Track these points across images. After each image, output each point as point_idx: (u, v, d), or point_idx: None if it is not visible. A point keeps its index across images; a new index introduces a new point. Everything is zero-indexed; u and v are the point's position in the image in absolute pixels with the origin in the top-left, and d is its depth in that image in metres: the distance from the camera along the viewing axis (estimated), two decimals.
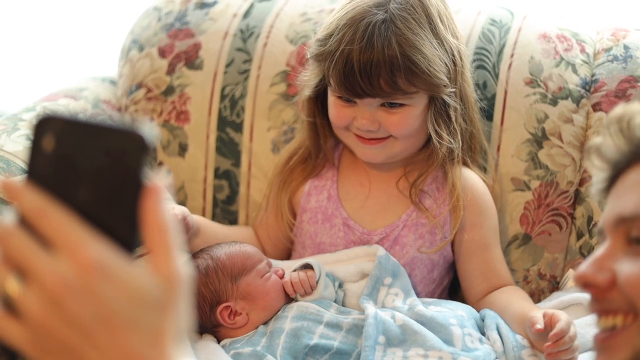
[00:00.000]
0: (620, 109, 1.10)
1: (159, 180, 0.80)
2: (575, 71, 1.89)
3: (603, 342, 1.06)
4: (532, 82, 1.89)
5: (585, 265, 1.07)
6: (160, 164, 2.03)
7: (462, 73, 1.74)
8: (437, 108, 1.70)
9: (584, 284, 1.07)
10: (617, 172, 1.10)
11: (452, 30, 1.72)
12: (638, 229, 1.04)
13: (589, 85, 1.89)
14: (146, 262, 0.80)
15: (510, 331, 1.64)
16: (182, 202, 2.02)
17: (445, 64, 1.68)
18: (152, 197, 0.79)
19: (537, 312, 1.58)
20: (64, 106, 2.04)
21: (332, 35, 1.67)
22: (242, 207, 2.00)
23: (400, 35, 1.63)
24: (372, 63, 1.62)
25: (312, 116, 1.80)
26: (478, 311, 1.72)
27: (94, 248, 0.77)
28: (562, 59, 1.90)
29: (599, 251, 1.08)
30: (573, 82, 1.88)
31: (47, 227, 0.77)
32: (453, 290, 1.90)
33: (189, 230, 1.72)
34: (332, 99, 1.73)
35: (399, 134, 1.70)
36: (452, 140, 1.71)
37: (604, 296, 1.05)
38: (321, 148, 1.83)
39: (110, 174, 0.79)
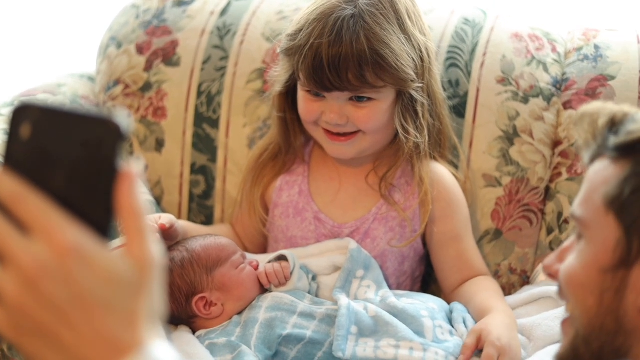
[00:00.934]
0: (587, 106, 1.15)
1: (133, 168, 0.82)
2: (546, 70, 1.93)
3: (562, 326, 1.14)
4: (504, 80, 1.92)
5: (549, 256, 1.15)
6: (138, 158, 2.04)
7: (430, 69, 1.77)
8: (405, 103, 1.73)
9: (547, 273, 1.14)
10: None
11: (420, 27, 1.75)
12: (577, 226, 1.10)
13: (560, 84, 1.93)
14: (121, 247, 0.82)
15: (475, 324, 1.67)
16: (158, 197, 2.04)
17: (413, 59, 1.71)
18: (126, 183, 0.81)
19: (469, 338, 1.61)
20: (42, 101, 2.05)
21: (301, 30, 1.69)
22: (218, 202, 2.02)
23: (368, 29, 1.66)
24: (341, 57, 1.64)
25: (283, 111, 1.82)
26: (450, 302, 1.76)
27: (69, 232, 0.79)
28: (533, 57, 1.94)
29: (567, 242, 1.14)
30: (544, 80, 1.92)
31: (24, 212, 0.79)
32: (426, 282, 1.93)
33: (177, 237, 1.75)
34: (301, 94, 1.75)
35: (366, 129, 1.73)
36: (418, 135, 1.74)
37: None
38: (292, 144, 1.85)
39: (85, 161, 0.81)
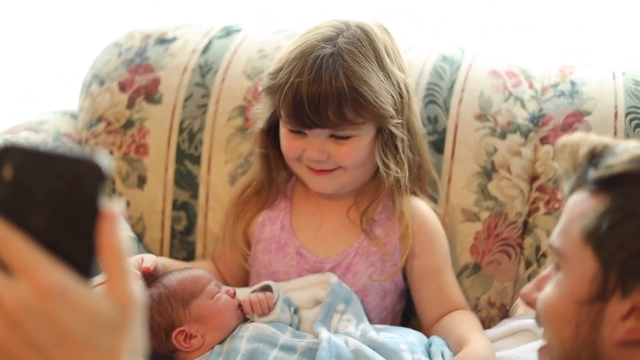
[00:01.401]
0: (566, 138, 1.16)
1: (115, 208, 0.83)
2: (523, 106, 1.96)
3: (538, 353, 1.16)
4: (481, 117, 1.95)
5: (528, 285, 1.17)
6: (120, 195, 2.06)
7: (409, 105, 1.80)
8: (385, 139, 1.76)
9: (525, 301, 1.16)
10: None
11: (399, 64, 1.78)
12: (555, 257, 1.11)
13: (537, 120, 1.95)
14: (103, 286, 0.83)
15: (452, 357, 1.69)
16: (140, 233, 2.05)
17: (392, 95, 1.73)
18: (108, 223, 0.83)
19: None
20: (24, 139, 2.07)
21: (282, 68, 1.72)
22: (200, 238, 2.04)
23: (347, 68, 1.68)
24: (320, 95, 1.67)
25: (265, 148, 1.84)
26: (430, 336, 1.77)
27: (52, 273, 0.80)
28: (510, 94, 1.97)
29: (545, 271, 1.16)
30: (521, 116, 1.95)
31: (6, 252, 0.80)
32: (406, 317, 1.94)
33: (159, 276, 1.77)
34: (283, 131, 1.77)
35: (347, 165, 1.76)
36: (399, 170, 1.77)
37: None
38: (274, 179, 1.87)
39: (67, 201, 0.82)
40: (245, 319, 1.74)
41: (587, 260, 1.06)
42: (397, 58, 1.78)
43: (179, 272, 1.78)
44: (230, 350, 1.66)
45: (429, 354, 1.71)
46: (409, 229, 1.79)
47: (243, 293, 1.77)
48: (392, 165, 1.76)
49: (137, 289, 0.84)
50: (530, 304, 1.15)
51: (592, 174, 1.09)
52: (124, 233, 0.84)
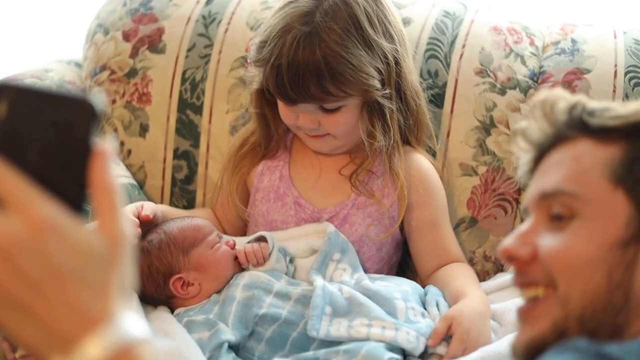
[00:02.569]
0: (543, 94, 1.17)
1: (107, 146, 0.85)
2: (524, 63, 1.97)
3: (525, 314, 1.11)
4: (482, 72, 1.96)
5: (509, 240, 1.12)
6: (122, 143, 2.08)
7: (400, 73, 1.80)
8: (372, 108, 1.77)
9: (508, 257, 1.12)
10: (541, 153, 1.17)
11: (385, 31, 1.77)
12: (558, 205, 1.10)
13: (537, 77, 1.96)
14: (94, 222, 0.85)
15: (448, 308, 1.71)
16: (142, 181, 2.07)
17: (377, 67, 1.74)
18: (100, 161, 0.84)
19: (440, 323, 1.64)
20: (18, 81, 2.08)
21: (265, 43, 1.74)
22: (200, 186, 2.06)
23: (325, 47, 1.68)
24: (300, 75, 1.69)
25: (261, 108, 1.86)
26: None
27: (44, 208, 0.81)
28: (511, 50, 1.98)
29: (523, 226, 1.13)
30: (521, 73, 1.96)
31: (0, 188, 0.82)
32: (402, 269, 1.97)
33: (157, 223, 1.80)
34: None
35: (336, 133, 1.78)
36: (383, 138, 1.77)
37: (526, 269, 1.10)
38: (271, 138, 1.90)
39: (60, 140, 0.83)
40: (242, 269, 1.77)
41: (618, 204, 1.06)
42: (382, 25, 1.77)
43: (180, 220, 1.80)
44: (227, 298, 1.69)
45: (424, 304, 1.73)
46: (404, 189, 1.81)
47: (239, 243, 1.79)
48: (379, 135, 1.77)
49: (128, 226, 0.85)
50: (514, 259, 1.11)
51: (595, 121, 1.10)
52: (117, 172, 0.85)
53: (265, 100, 1.84)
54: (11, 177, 0.81)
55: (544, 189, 1.12)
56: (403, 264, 1.96)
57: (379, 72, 1.74)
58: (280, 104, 1.79)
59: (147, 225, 1.78)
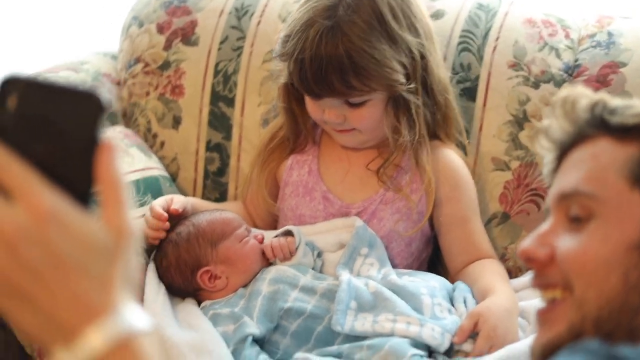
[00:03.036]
0: (565, 92, 1.15)
1: (114, 140, 0.86)
2: (558, 56, 1.94)
3: (543, 316, 1.10)
4: (515, 65, 1.94)
5: (528, 241, 1.10)
6: (155, 135, 2.10)
7: (426, 67, 1.78)
8: (396, 103, 1.76)
9: (526, 258, 1.10)
10: (563, 152, 1.15)
11: (410, 26, 1.75)
12: (576, 206, 1.07)
13: (572, 70, 1.94)
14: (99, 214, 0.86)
15: (475, 305, 1.70)
16: (174, 173, 2.08)
17: (400, 62, 1.72)
18: (107, 154, 0.85)
19: (467, 320, 1.63)
20: (64, 78, 2.11)
21: (289, 37, 1.74)
22: (232, 179, 2.07)
23: (347, 41, 1.68)
24: (322, 69, 1.68)
25: (288, 102, 1.85)
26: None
27: (49, 198, 0.82)
28: (546, 43, 1.95)
29: (543, 227, 1.11)
30: (556, 66, 1.93)
31: (6, 177, 0.82)
32: (433, 264, 1.95)
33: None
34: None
35: (361, 128, 1.77)
36: (408, 133, 1.76)
37: (544, 271, 1.08)
38: (299, 132, 1.89)
39: (67, 132, 0.84)
40: (270, 264, 1.77)
41: (635, 204, 1.04)
42: (407, 19, 1.75)
43: (209, 212, 1.81)
44: (253, 292, 1.69)
45: (452, 300, 1.72)
46: (432, 184, 1.79)
47: (268, 237, 1.79)
48: (404, 129, 1.76)
49: (132, 220, 0.86)
50: (534, 260, 1.08)
51: (616, 119, 1.08)
52: (123, 165, 0.86)
53: (293, 94, 1.84)
54: (17, 168, 0.82)
55: (562, 190, 1.10)
56: (435, 259, 1.95)
57: (404, 66, 1.73)
58: (307, 99, 1.79)
59: (177, 219, 1.79)
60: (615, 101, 1.12)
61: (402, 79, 1.73)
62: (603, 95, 1.13)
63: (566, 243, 1.07)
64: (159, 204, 1.78)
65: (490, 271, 1.78)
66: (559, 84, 1.92)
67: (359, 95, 1.71)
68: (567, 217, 1.08)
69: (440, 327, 1.61)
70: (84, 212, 0.84)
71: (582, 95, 1.13)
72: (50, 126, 0.84)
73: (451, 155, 1.85)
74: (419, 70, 1.76)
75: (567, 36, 1.97)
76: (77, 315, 0.82)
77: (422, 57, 1.76)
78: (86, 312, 0.82)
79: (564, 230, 1.08)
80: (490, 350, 1.58)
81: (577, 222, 1.07)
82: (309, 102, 1.79)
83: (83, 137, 0.84)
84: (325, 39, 1.68)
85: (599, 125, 1.10)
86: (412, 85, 1.75)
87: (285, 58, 1.75)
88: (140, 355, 0.83)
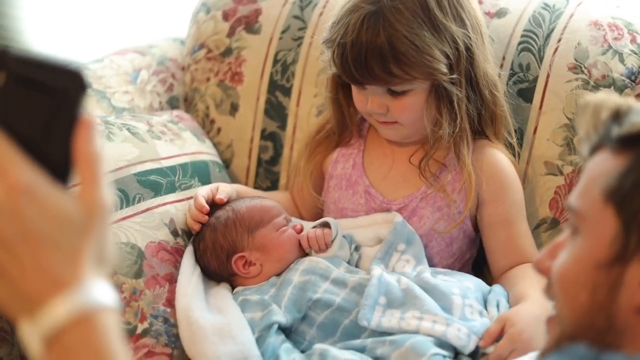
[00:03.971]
0: (591, 96, 1.11)
1: (92, 117, 0.87)
2: (622, 60, 1.88)
3: (546, 325, 1.12)
4: (575, 68, 1.88)
5: (541, 252, 1.12)
6: (212, 121, 2.11)
7: (472, 60, 1.74)
8: (439, 94, 1.73)
9: (537, 270, 1.11)
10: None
11: (456, 16, 1.72)
12: (572, 219, 1.06)
13: (635, 76, 1.87)
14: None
15: (508, 309, 1.66)
16: (228, 160, 2.10)
17: (444, 51, 1.70)
18: (85, 130, 0.86)
19: (494, 324, 1.60)
20: (129, 60, 2.14)
21: (335, 24, 1.73)
22: (284, 168, 2.07)
23: (388, 27, 1.66)
24: (362, 55, 1.67)
25: (336, 93, 1.84)
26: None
27: (24, 173, 0.83)
28: (610, 47, 1.89)
29: (558, 239, 1.11)
30: (618, 71, 1.87)
31: None
32: (479, 266, 1.92)
33: None
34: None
35: (402, 120, 1.75)
36: (448, 126, 1.73)
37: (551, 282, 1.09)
38: (345, 125, 1.88)
39: (49, 108, 0.86)
40: (305, 254, 1.77)
41: (607, 221, 1.01)
42: (453, 10, 1.72)
43: (250, 199, 1.81)
44: (284, 281, 1.70)
45: (486, 302, 1.69)
46: (472, 180, 1.76)
47: (306, 228, 1.79)
48: (444, 122, 1.73)
49: (109, 197, 0.86)
50: (543, 272, 1.10)
51: (616, 131, 1.05)
52: (100, 142, 0.87)
53: (340, 85, 1.83)
54: None
55: (567, 203, 1.09)
56: (481, 262, 1.91)
57: (447, 56, 1.70)
58: (353, 89, 1.77)
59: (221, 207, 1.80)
60: (635, 113, 1.07)
61: (444, 69, 1.70)
62: (630, 103, 1.08)
63: (560, 257, 1.07)
64: (203, 194, 1.79)
65: (529, 277, 1.73)
66: (620, 89, 1.86)
67: (400, 83, 1.69)
68: (572, 229, 1.08)
69: (467, 328, 1.58)
70: (60, 188, 0.85)
71: (607, 101, 1.10)
72: (35, 102, 0.86)
73: (497, 155, 1.81)
74: (463, 62, 1.73)
75: (633, 41, 1.90)
76: (44, 287, 0.83)
77: (468, 49, 1.73)
78: (52, 284, 0.83)
79: (568, 243, 1.08)
80: (512, 353, 1.55)
81: (574, 235, 1.06)
82: (354, 91, 1.77)
83: (65, 113, 0.86)
84: (367, 24, 1.67)
85: (605, 135, 1.07)
86: (454, 76, 1.72)
87: (330, 44, 1.74)
88: (103, 330, 0.84)
